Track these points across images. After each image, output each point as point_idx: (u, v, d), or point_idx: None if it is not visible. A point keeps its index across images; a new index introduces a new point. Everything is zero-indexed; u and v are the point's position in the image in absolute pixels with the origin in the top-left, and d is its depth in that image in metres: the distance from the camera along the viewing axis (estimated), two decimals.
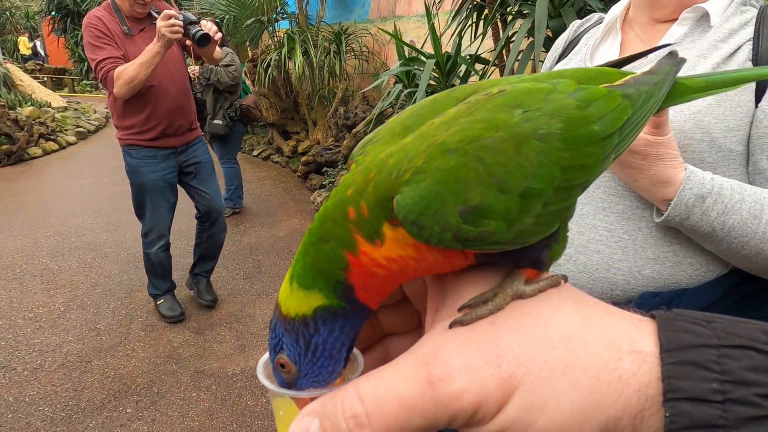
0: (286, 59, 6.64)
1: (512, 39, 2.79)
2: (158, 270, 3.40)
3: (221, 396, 2.77)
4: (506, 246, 0.32)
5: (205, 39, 2.83)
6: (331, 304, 0.34)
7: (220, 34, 2.97)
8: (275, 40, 7.30)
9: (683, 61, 0.43)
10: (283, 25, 7.65)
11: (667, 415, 0.27)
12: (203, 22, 2.89)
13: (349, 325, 0.35)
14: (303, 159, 6.78)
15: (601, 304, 0.33)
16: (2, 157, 7.62)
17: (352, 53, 6.88)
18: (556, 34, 2.56)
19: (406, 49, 4.25)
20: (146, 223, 3.28)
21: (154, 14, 2.97)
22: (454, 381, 0.29)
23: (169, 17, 2.74)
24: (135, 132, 3.06)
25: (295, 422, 0.31)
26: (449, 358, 0.30)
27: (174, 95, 3.07)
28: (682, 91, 0.42)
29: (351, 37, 6.89)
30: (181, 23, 2.77)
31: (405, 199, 0.31)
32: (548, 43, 2.71)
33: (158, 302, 3.52)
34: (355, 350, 0.39)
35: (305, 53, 6.52)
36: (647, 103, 0.38)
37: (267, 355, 0.39)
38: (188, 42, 2.92)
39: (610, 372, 0.29)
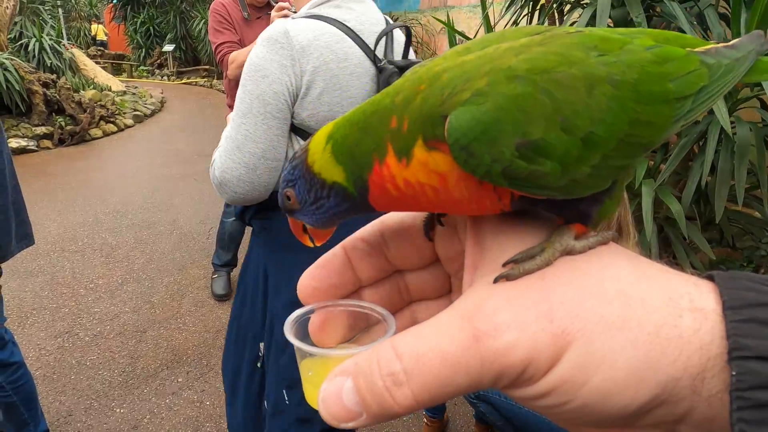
0: None
1: None
2: (226, 240, 3.61)
3: None
4: (553, 193, 0.30)
5: None
6: (347, 188, 0.35)
7: None
8: None
9: None
10: None
11: (734, 373, 0.25)
12: None
13: (355, 209, 0.37)
14: None
15: (655, 264, 0.31)
16: (66, 137, 8.06)
17: None
18: (618, 25, 2.47)
19: (458, 38, 4.21)
20: None
21: (273, 3, 3.20)
22: (502, 336, 0.27)
23: (282, 9, 2.97)
24: None
25: (326, 382, 0.29)
26: (496, 313, 0.28)
27: None
28: (764, 69, 0.40)
29: None
30: (292, 15, 2.95)
31: (460, 121, 0.28)
32: None
33: (214, 276, 3.71)
34: (386, 312, 0.37)
35: None
36: (726, 76, 0.36)
37: (294, 314, 0.38)
38: None
39: (669, 329, 0.27)
